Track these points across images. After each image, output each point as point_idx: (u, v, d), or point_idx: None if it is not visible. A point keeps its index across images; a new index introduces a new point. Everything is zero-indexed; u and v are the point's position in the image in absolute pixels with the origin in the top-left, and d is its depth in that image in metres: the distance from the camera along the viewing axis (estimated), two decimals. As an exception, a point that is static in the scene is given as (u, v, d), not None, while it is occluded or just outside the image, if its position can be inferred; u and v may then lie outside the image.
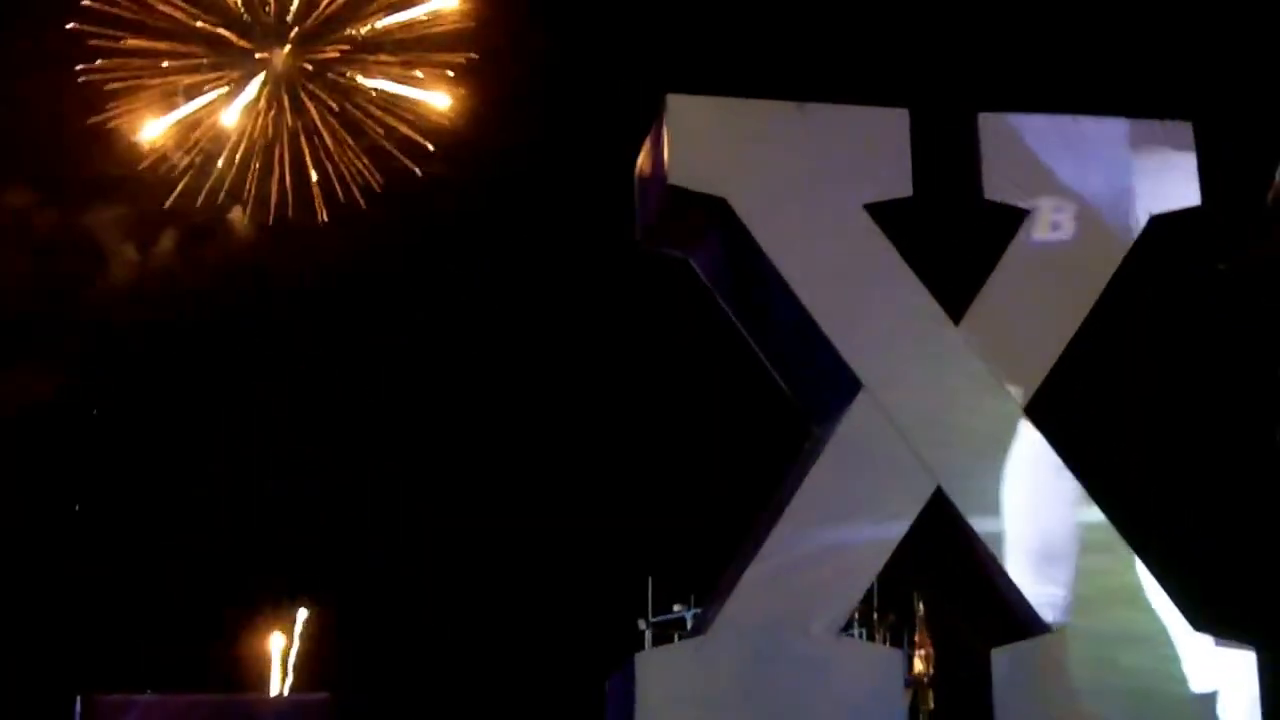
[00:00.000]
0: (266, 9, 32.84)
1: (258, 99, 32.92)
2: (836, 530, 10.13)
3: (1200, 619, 10.48)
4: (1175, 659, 10.23)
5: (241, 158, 32.95)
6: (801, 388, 11.26)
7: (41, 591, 31.60)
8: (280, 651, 33.86)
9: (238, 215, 33.13)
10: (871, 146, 10.95)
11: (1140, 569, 10.42)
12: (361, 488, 32.43)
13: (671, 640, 18.15)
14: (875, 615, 21.97)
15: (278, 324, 33.23)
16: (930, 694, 21.93)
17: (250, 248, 33.48)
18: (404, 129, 32.76)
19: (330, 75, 33.36)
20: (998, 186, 11.19)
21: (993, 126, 11.29)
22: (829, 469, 10.32)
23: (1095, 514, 10.47)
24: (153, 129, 32.42)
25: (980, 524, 10.29)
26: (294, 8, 32.84)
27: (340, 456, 32.69)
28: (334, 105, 33.11)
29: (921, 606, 20.99)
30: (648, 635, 24.03)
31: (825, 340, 10.46)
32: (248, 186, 32.90)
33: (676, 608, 24.37)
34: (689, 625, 22.71)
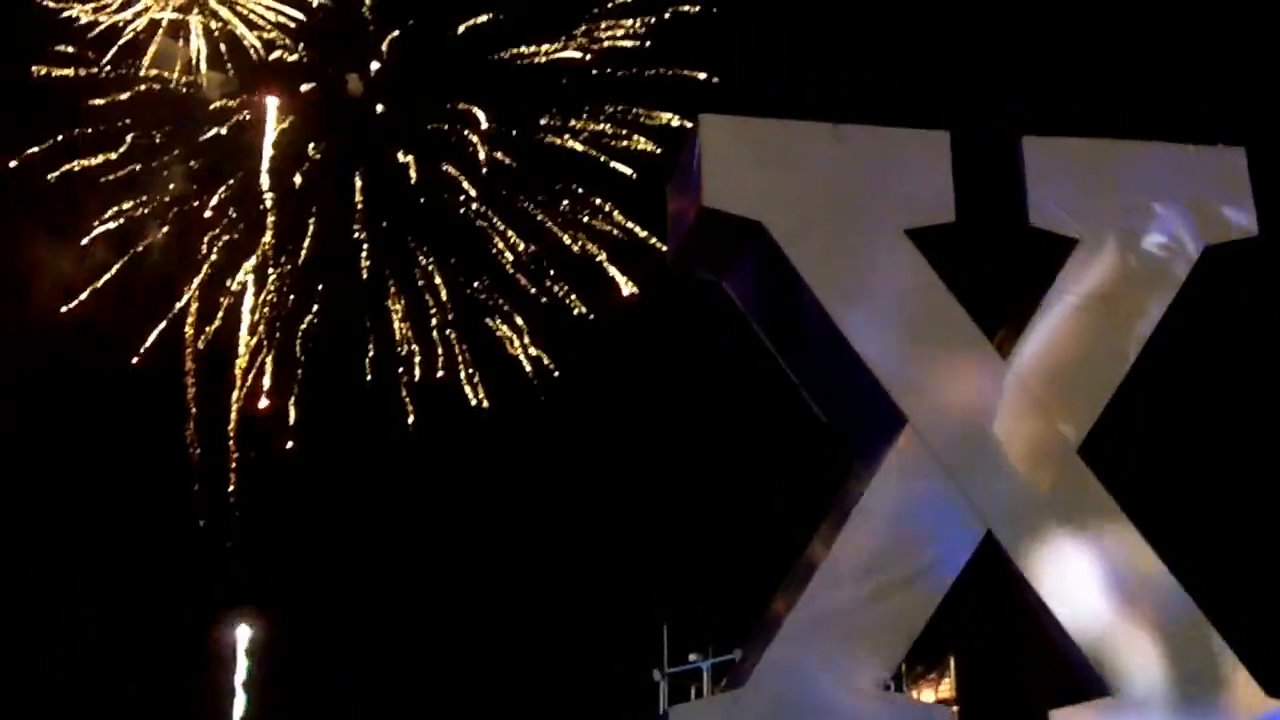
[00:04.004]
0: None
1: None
2: (881, 577, 9.48)
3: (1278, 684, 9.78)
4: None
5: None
6: (841, 421, 10.65)
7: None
8: None
9: None
10: (912, 170, 10.42)
11: (1209, 629, 9.74)
12: (371, 532, 31.81)
13: (688, 693, 17.43)
14: (903, 666, 21.15)
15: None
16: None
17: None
18: None
19: None
20: (1043, 213, 10.64)
21: (1037, 151, 10.75)
22: (873, 511, 9.69)
23: (1157, 565, 9.82)
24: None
25: (1034, 573, 9.64)
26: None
27: (349, 501, 32.10)
28: None
29: (954, 659, 20.19)
30: (663, 687, 23.20)
31: (867, 371, 9.86)
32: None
33: (693, 657, 23.54)
34: (706, 677, 21.92)
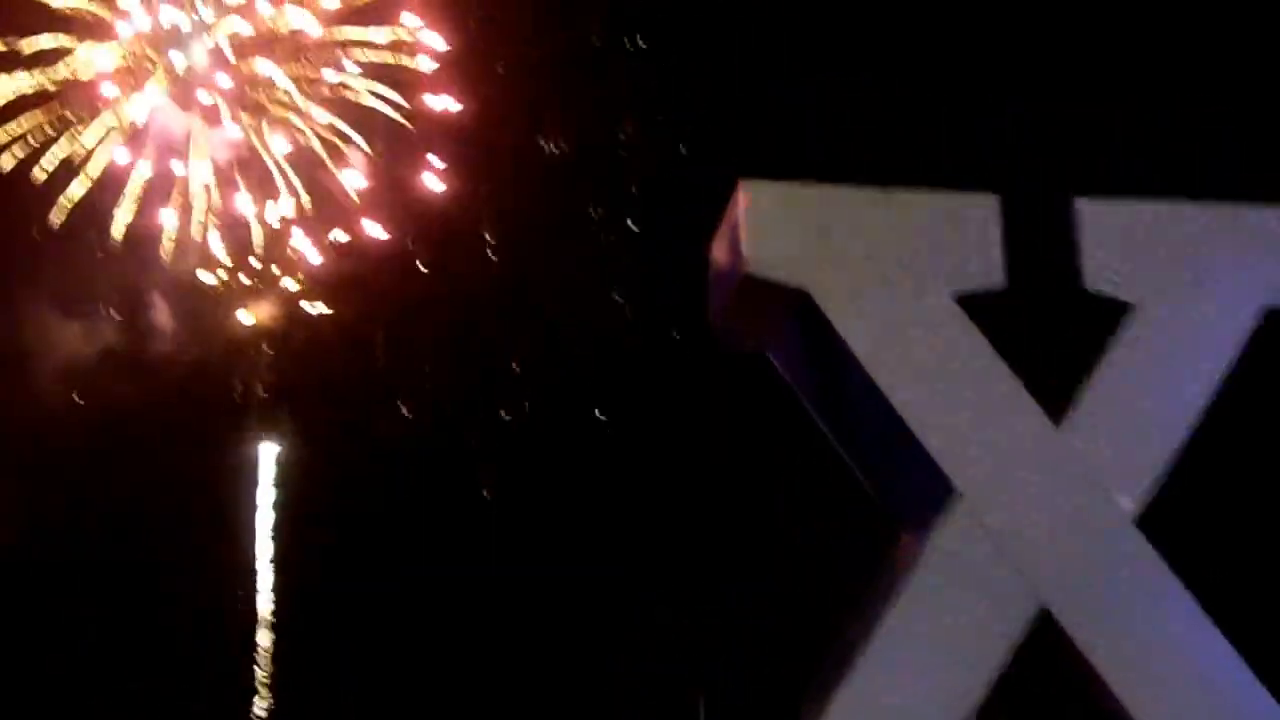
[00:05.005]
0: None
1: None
2: (932, 656, 9.18)
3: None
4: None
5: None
6: (889, 493, 10.38)
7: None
8: None
9: None
10: (960, 234, 10.17)
11: (1277, 709, 9.36)
12: (399, 603, 31.74)
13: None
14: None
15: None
16: None
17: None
18: None
19: None
20: (1098, 278, 10.34)
21: (1090, 213, 10.47)
22: (921, 586, 9.39)
23: (1221, 642, 9.46)
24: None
25: (1093, 651, 9.30)
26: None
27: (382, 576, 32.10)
28: None
29: None
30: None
31: (915, 442, 9.59)
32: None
33: None
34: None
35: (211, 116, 33.54)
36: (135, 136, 34.04)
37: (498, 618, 30.85)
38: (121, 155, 33.89)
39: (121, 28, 33.60)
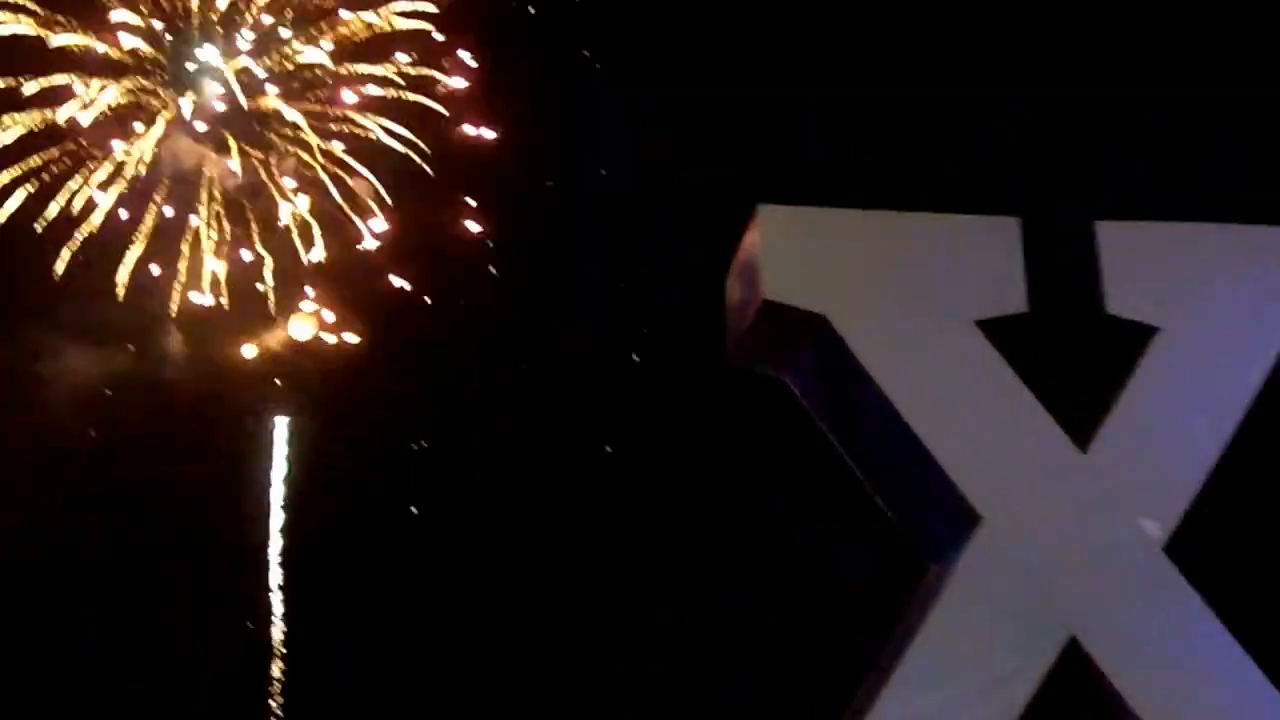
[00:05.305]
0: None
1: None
2: (958, 687, 9.00)
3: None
4: None
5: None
6: (911, 520, 10.22)
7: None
8: None
9: None
10: (981, 258, 10.04)
11: (1313, 735, 9.17)
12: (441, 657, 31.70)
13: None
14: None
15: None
16: None
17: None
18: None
19: None
20: (1121, 301, 10.18)
21: (1112, 235, 10.32)
22: (947, 616, 9.23)
23: (1253, 671, 9.27)
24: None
25: (1122, 680, 9.11)
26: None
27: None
28: None
29: None
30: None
31: (938, 468, 9.43)
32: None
33: None
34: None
35: (220, 153, 33.73)
36: (141, 178, 34.24)
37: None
38: (119, 198, 34.04)
39: (129, 65, 33.80)
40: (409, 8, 34.68)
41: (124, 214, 34.43)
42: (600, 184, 31.77)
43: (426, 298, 34.44)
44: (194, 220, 34.23)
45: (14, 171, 33.33)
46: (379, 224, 35.17)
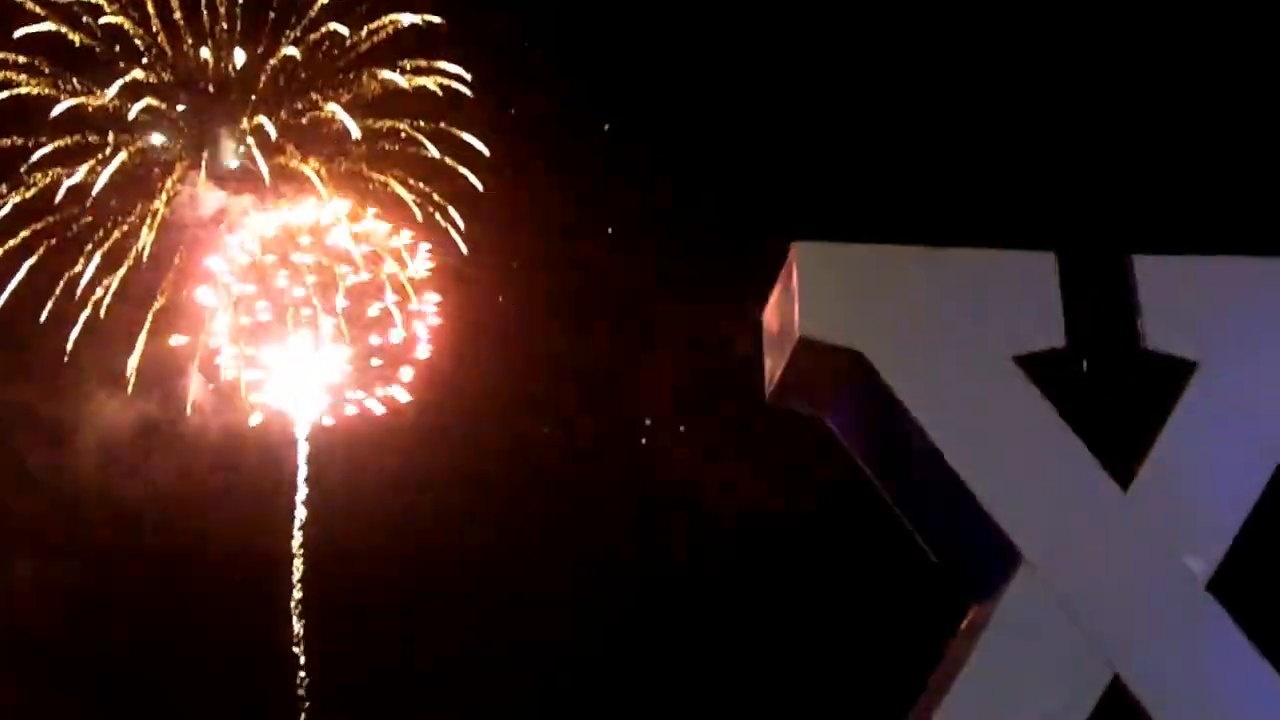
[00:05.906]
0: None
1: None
2: (1002, 727, 8.90)
3: None
4: None
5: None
6: (952, 559, 10.13)
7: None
8: None
9: None
10: (1018, 293, 9.98)
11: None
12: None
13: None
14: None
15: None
16: None
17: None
18: None
19: None
20: (1159, 336, 10.10)
21: (1149, 269, 10.25)
22: (988, 656, 9.13)
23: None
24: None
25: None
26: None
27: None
28: None
29: None
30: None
31: (978, 507, 9.35)
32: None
33: None
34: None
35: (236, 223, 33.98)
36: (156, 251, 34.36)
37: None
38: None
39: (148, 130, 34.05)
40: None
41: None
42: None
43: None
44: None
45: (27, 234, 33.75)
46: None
